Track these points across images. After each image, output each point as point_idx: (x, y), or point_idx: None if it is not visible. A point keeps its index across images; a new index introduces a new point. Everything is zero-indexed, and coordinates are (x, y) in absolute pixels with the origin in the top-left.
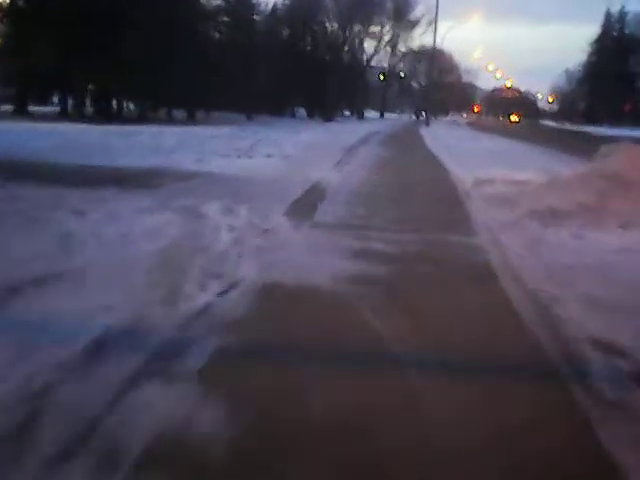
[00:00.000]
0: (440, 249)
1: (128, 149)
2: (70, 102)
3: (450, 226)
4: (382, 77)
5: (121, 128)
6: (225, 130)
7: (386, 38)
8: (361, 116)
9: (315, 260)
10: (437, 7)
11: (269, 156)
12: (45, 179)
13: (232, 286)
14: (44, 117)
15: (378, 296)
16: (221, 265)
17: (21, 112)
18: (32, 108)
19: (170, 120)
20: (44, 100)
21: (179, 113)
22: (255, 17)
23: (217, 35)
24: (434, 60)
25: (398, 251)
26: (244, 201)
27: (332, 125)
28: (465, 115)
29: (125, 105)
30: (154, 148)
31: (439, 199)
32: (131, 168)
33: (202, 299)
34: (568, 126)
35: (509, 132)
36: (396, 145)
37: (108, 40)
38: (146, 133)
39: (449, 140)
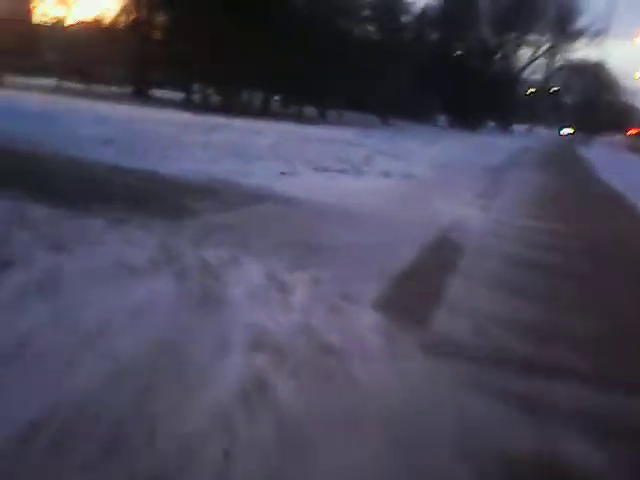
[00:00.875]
0: None
1: (201, 149)
2: (201, 90)
3: None
4: (533, 89)
5: (223, 121)
6: (347, 133)
7: (543, 48)
8: (507, 129)
9: None
10: (607, 20)
11: (386, 175)
12: (35, 186)
13: None
14: (159, 102)
15: None
16: None
17: (141, 95)
18: (156, 92)
19: (298, 117)
20: (181, 85)
21: (311, 111)
22: (403, 18)
23: (359, 32)
24: (594, 76)
25: None
26: (312, 262)
27: (475, 137)
28: (620, 137)
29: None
30: (236, 150)
31: None
32: (180, 178)
33: None
34: None
35: None
36: (559, 170)
37: (240, 29)
38: (240, 130)
39: (625, 170)
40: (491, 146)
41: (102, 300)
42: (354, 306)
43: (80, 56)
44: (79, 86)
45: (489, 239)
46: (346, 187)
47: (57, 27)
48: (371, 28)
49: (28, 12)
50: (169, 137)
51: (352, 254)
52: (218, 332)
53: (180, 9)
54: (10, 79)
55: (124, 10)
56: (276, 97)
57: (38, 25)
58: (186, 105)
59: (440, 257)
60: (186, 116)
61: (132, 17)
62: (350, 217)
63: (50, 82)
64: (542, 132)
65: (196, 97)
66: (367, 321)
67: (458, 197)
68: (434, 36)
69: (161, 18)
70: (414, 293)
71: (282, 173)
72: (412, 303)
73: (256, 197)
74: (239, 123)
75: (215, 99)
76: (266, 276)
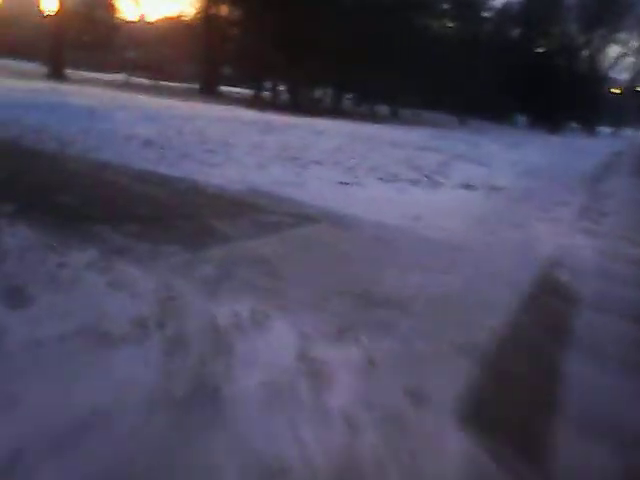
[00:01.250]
0: None
1: (252, 152)
2: (271, 87)
3: None
4: (618, 89)
5: (286, 120)
6: (420, 134)
7: (632, 45)
8: (591, 131)
9: None
10: None
11: (466, 186)
12: (32, 199)
13: None
14: (227, 99)
15: None
16: None
17: (209, 92)
18: (226, 89)
19: (369, 116)
20: (252, 82)
21: (384, 110)
22: (483, 13)
23: (437, 28)
24: None
25: None
26: (367, 324)
27: (559, 139)
28: None
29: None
30: (291, 154)
31: None
32: (217, 188)
33: None
34: None
35: None
36: None
37: (313, 24)
38: (302, 129)
39: None
40: (579, 149)
41: (33, 399)
42: (427, 416)
43: (153, 52)
44: (148, 82)
45: (608, 283)
46: (418, 203)
47: (133, 24)
48: (449, 23)
49: (108, 8)
50: (220, 138)
51: (423, 309)
52: (199, 477)
53: (252, 5)
54: (78, 73)
55: (198, 7)
56: (348, 95)
57: (116, 21)
58: (254, 102)
59: (548, 315)
60: (248, 114)
61: (204, 14)
62: (422, 248)
63: (119, 77)
64: (628, 134)
65: (266, 95)
66: (450, 451)
67: (556, 216)
68: (515, 32)
69: (233, 14)
70: (521, 387)
71: (341, 183)
72: (520, 410)
73: (305, 216)
74: (303, 122)
75: (285, 97)
76: (299, 350)
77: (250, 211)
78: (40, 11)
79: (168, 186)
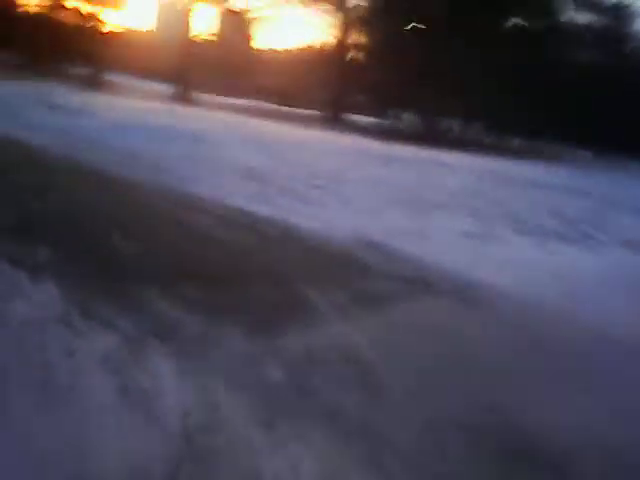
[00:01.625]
0: None
1: (364, 190)
2: (396, 116)
3: None
4: None
5: (409, 151)
6: (560, 171)
7: None
8: None
9: None
10: None
11: (633, 245)
12: (85, 244)
13: None
14: (350, 127)
15: None
16: None
17: (333, 119)
18: (351, 117)
19: (500, 149)
20: (378, 111)
21: (516, 142)
22: (627, 45)
23: (576, 58)
24: None
25: None
26: None
27: None
28: None
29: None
30: (410, 195)
31: None
32: (316, 237)
33: None
34: None
35: None
36: None
37: (442, 52)
38: (424, 163)
39: None
40: None
41: None
42: None
43: (286, 79)
44: (274, 108)
45: None
46: (570, 269)
47: (271, 52)
48: (590, 54)
49: (244, 38)
50: (332, 171)
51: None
52: None
53: (385, 34)
54: (205, 96)
55: (334, 35)
56: (479, 125)
57: (251, 50)
58: (379, 132)
59: None
60: (371, 145)
61: (338, 42)
62: (584, 346)
63: (247, 102)
64: None
65: (391, 123)
66: None
67: None
68: None
69: (366, 43)
70: None
71: (469, 236)
72: None
73: (422, 282)
74: (429, 154)
75: (412, 126)
76: None
77: (353, 272)
78: (191, 36)
79: (256, 231)
